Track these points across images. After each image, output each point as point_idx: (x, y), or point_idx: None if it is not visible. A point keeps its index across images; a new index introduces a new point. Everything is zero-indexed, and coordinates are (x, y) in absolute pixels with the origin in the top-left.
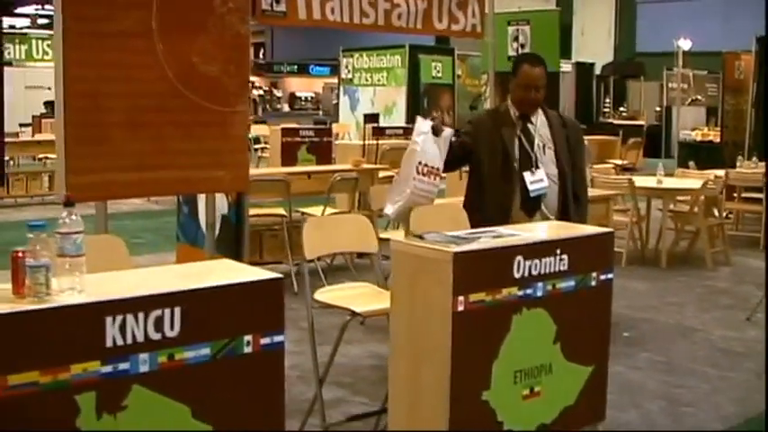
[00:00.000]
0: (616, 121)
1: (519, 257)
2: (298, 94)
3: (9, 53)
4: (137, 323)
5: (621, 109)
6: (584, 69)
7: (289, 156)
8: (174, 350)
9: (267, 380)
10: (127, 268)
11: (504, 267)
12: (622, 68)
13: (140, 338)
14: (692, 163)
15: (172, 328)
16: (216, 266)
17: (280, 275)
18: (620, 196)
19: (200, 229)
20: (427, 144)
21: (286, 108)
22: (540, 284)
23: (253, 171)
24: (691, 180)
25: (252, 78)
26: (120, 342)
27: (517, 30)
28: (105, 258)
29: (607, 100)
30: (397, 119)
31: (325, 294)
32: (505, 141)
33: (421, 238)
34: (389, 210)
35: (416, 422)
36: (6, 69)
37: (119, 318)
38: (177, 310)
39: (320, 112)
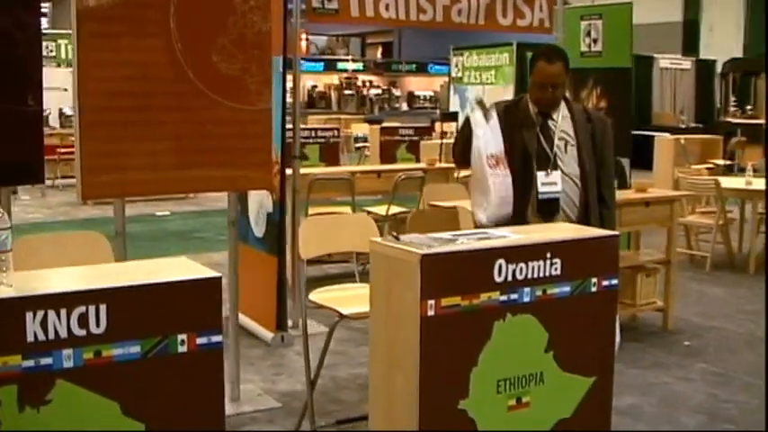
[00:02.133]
0: (734, 120)
1: (500, 261)
2: (416, 93)
3: None
4: (59, 319)
5: (749, 107)
6: (705, 66)
7: (387, 154)
8: (100, 347)
9: (204, 379)
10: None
11: (483, 271)
12: (743, 65)
13: (63, 334)
14: None
15: (98, 324)
16: (164, 265)
17: (217, 275)
18: (711, 197)
19: (250, 227)
20: (487, 134)
21: (405, 107)
22: (527, 290)
23: (317, 170)
24: None
25: (370, 77)
26: (41, 337)
27: (590, 24)
28: (86, 254)
29: (732, 98)
30: None
31: (320, 295)
32: (525, 140)
33: (397, 238)
34: (481, 217)
35: (390, 428)
36: None
37: (39, 313)
38: (103, 308)
39: (437, 111)
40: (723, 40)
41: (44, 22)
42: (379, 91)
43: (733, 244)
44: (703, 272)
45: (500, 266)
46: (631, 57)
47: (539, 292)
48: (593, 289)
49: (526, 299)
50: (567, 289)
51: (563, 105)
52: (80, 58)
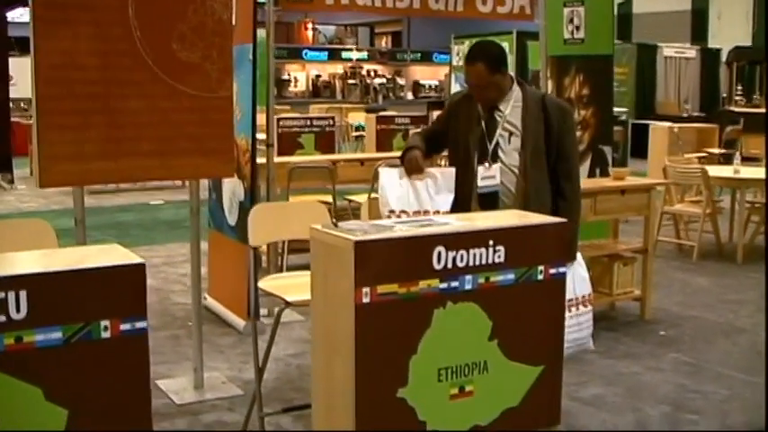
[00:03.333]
0: (737, 109)
1: (439, 248)
2: (422, 81)
3: None
4: None
5: (755, 97)
6: (710, 55)
7: (384, 143)
8: (21, 332)
9: (128, 366)
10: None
11: (421, 258)
12: (749, 54)
13: None
14: None
15: (18, 310)
16: (94, 251)
17: (141, 261)
18: (696, 186)
19: (224, 216)
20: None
21: (410, 96)
22: (468, 277)
23: (294, 158)
24: None
25: (375, 67)
26: None
27: (572, 12)
28: (30, 242)
29: (739, 87)
30: None
31: (270, 282)
32: (468, 133)
33: (335, 225)
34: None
35: (330, 416)
36: None
37: None
38: (23, 294)
39: (443, 100)
40: (731, 29)
41: None
42: (384, 80)
43: (725, 233)
44: (690, 261)
45: (439, 254)
46: (612, 44)
47: (481, 280)
48: (540, 277)
49: (468, 286)
50: (511, 277)
51: (518, 93)
52: (37, 45)
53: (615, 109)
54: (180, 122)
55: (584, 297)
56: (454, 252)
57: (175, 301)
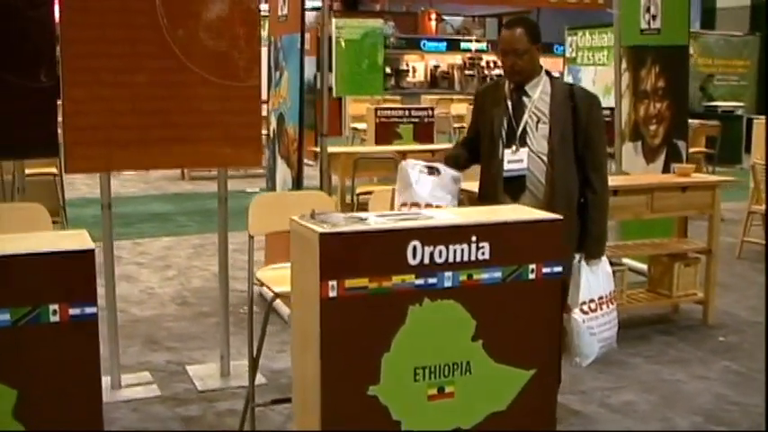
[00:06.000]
0: None
1: (414, 242)
2: None
3: None
4: None
5: None
6: None
7: None
8: None
9: (78, 350)
10: None
11: (394, 253)
12: None
13: None
14: None
15: None
16: (58, 237)
17: (91, 247)
18: None
19: None
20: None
21: None
22: (447, 274)
23: (363, 148)
24: None
25: (494, 58)
26: None
27: (649, 0)
28: (25, 225)
29: None
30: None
31: (267, 273)
32: (494, 118)
33: (313, 217)
34: None
35: (304, 412)
36: None
37: None
38: None
39: None
40: None
41: None
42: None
43: None
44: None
45: (414, 248)
46: (688, 34)
47: (463, 277)
48: (531, 276)
49: (447, 283)
50: (497, 275)
51: (546, 83)
52: (64, 34)
53: (729, 103)
54: (207, 111)
55: (611, 294)
56: (431, 247)
57: (233, 288)
